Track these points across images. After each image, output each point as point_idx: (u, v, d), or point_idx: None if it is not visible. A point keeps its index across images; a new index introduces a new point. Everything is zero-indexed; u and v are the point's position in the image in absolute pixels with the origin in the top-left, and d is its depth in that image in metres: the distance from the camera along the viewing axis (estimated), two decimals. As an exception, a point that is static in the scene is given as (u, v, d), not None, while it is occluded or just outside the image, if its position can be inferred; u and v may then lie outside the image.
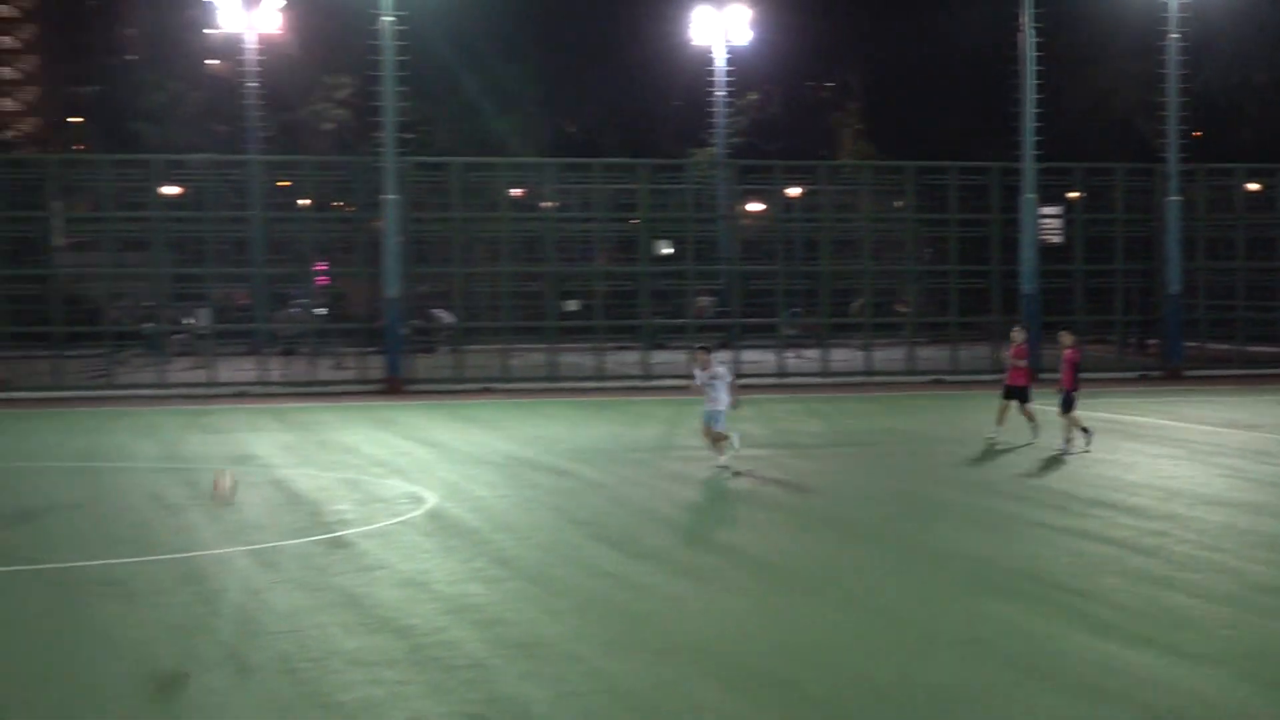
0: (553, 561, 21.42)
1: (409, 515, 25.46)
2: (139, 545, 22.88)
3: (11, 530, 24.52)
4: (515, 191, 62.40)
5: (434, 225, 57.51)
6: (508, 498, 27.56)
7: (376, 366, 54.27)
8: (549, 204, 60.81)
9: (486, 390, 52.73)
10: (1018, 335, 36.01)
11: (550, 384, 54.03)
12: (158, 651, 16.43)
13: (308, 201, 60.95)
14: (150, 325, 57.63)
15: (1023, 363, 35.66)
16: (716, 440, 30.74)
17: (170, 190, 59.82)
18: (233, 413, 45.17)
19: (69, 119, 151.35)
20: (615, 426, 40.70)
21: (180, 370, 55.48)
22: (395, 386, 52.46)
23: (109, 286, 59.42)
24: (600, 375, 54.99)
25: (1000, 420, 35.45)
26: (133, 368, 55.85)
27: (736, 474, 29.98)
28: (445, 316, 60.14)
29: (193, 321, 60.13)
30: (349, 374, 55.83)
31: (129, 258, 59.17)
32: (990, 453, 33.78)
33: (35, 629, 17.63)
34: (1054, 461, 32.34)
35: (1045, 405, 35.32)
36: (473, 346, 56.74)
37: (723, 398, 30.54)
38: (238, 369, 55.03)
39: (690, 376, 32.72)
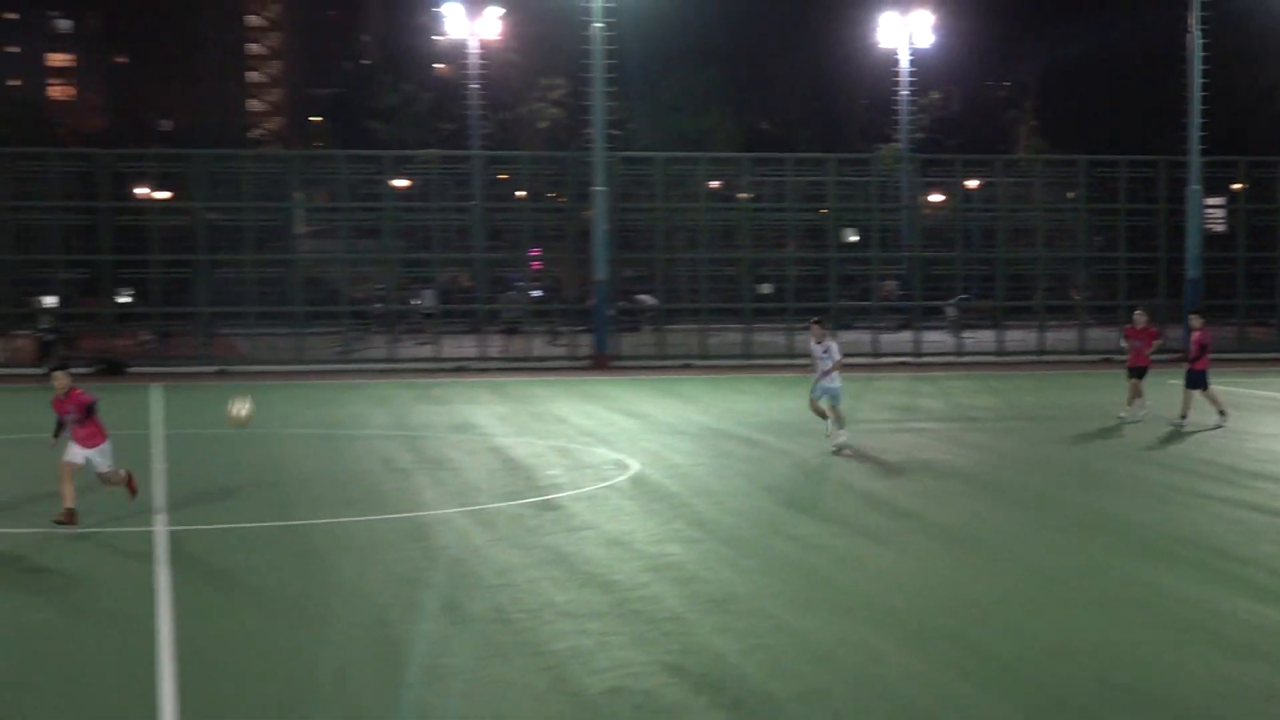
0: (744, 524, 21.44)
1: (614, 480, 25.60)
2: (370, 505, 23.24)
3: (259, 491, 25.01)
4: (713, 184, 62.39)
5: (639, 215, 57.67)
6: (704, 465, 27.62)
7: (585, 344, 54.60)
8: (744, 195, 60.70)
9: (686, 367, 52.82)
10: (1140, 319, 35.11)
11: (745, 361, 54.02)
12: (386, 601, 16.69)
13: (524, 193, 61.36)
14: (381, 305, 58.44)
15: (1155, 344, 34.76)
16: (818, 411, 29.91)
17: (400, 183, 60.58)
18: (454, 385, 45.66)
19: (310, 118, 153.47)
20: (803, 401, 40.45)
21: (408, 347, 56.18)
22: (602, 362, 52.73)
23: (345, 270, 60.31)
24: (791, 353, 54.78)
25: (1138, 399, 34.56)
26: (366, 344, 56.62)
27: (836, 451, 29.14)
28: (648, 299, 60.30)
29: (419, 302, 60.84)
30: (560, 350, 56.22)
31: (362, 244, 59.99)
32: (1154, 428, 33.19)
33: (281, 579, 18.00)
34: (1216, 437, 31.76)
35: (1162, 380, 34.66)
36: (673, 326, 56.87)
37: (830, 374, 29.64)
38: (459, 345, 55.56)
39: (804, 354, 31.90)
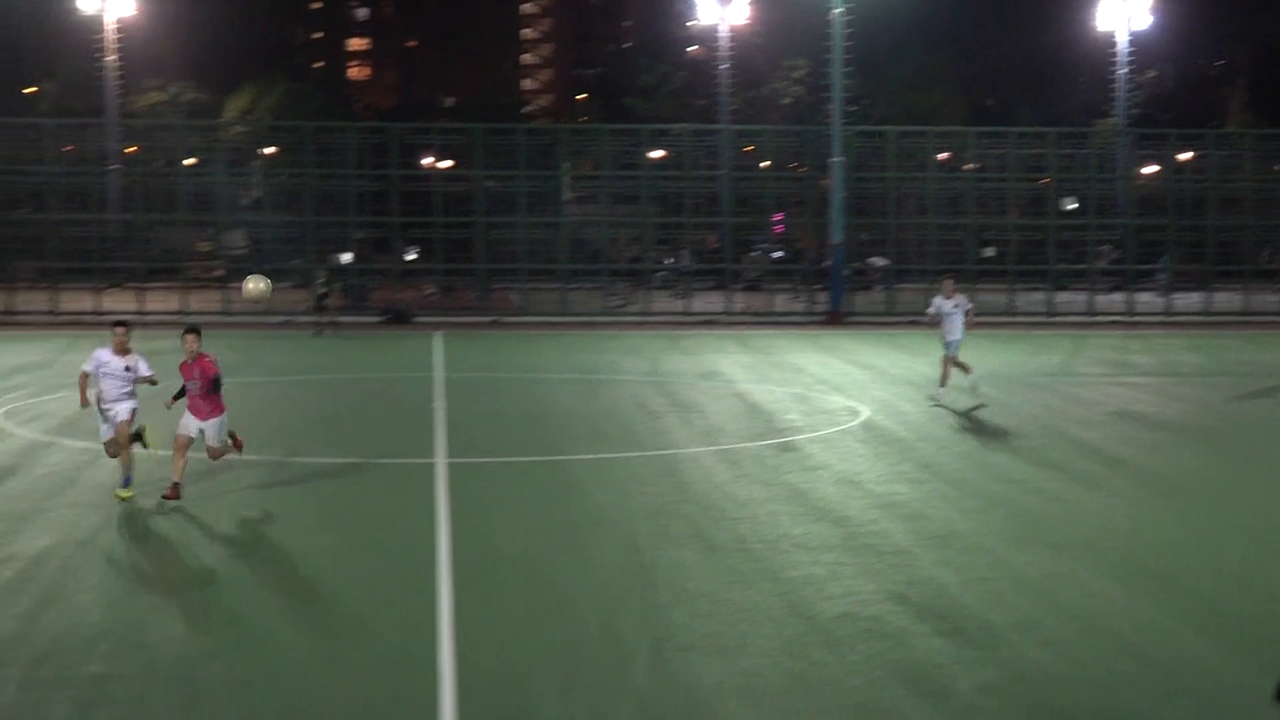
0: (966, 467, 21.20)
1: (846, 425, 25.46)
2: (625, 443, 23.40)
3: (526, 428, 25.32)
4: (941, 156, 61.56)
5: (872, 184, 57.19)
6: (929, 413, 27.30)
7: (821, 301, 54.32)
8: (970, 166, 59.87)
9: (914, 323, 52.19)
10: None
11: (968, 318, 53.19)
12: (639, 529, 16.80)
13: (768, 163, 61.21)
14: (653, 264, 58.83)
15: None
16: (957, 366, 28.65)
17: (656, 154, 60.77)
18: (702, 337, 45.73)
19: (576, 96, 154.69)
20: (1022, 355, 39.94)
21: (661, 301, 56.40)
22: (837, 318, 52.43)
23: (606, 233, 60.73)
24: (1010, 311, 54.01)
25: None
26: (635, 299, 56.88)
27: (980, 406, 28.05)
28: (880, 260, 59.79)
29: (673, 261, 61.04)
30: (799, 306, 56.02)
31: (621, 209, 60.34)
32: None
33: (545, 508, 18.21)
34: None
35: None
36: (903, 285, 56.32)
37: (959, 327, 28.67)
38: (708, 301, 55.64)
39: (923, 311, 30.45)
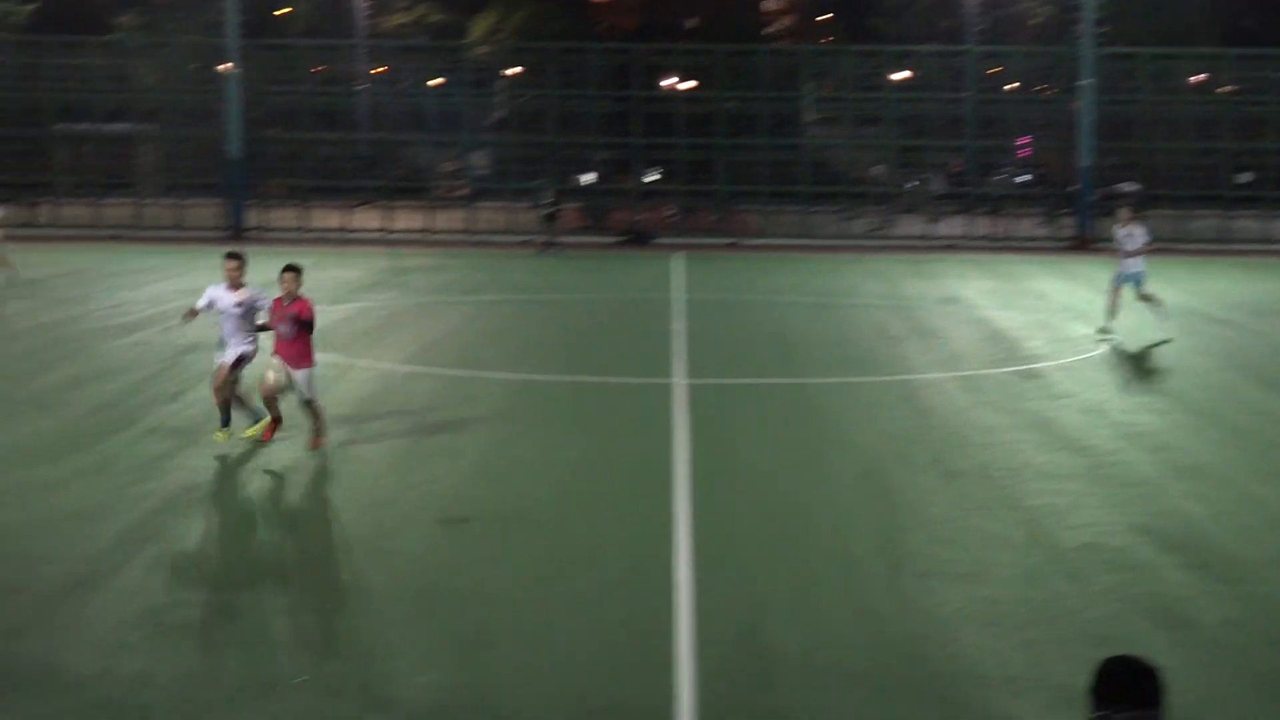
0: (1215, 399, 20.70)
1: (1091, 353, 25.02)
2: (865, 367, 23.34)
3: (765, 351, 25.37)
4: (1196, 78, 59.73)
5: (1123, 106, 55.77)
6: (1178, 342, 26.64)
7: (1067, 226, 53.28)
8: (1226, 89, 57.99)
9: (1164, 250, 50.97)
10: None
11: (1221, 245, 51.75)
12: (879, 453, 16.77)
13: (1014, 85, 60.07)
14: (910, 185, 58.33)
15: None
16: (1111, 305, 27.45)
17: (899, 75, 60.04)
18: (944, 262, 45.16)
19: (819, 16, 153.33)
20: (1279, 284, 38.70)
21: (903, 225, 55.81)
22: (1084, 243, 51.36)
23: (847, 155, 60.24)
24: (1269, 239, 52.35)
25: None
26: (879, 222, 56.33)
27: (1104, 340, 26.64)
28: (1129, 185, 58.34)
29: (916, 184, 60.37)
30: (1044, 231, 55.01)
31: (864, 131, 59.79)
32: None
33: (785, 430, 18.27)
34: None
35: None
36: (1153, 211, 54.90)
37: (1129, 261, 27.41)
38: (950, 225, 54.92)
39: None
